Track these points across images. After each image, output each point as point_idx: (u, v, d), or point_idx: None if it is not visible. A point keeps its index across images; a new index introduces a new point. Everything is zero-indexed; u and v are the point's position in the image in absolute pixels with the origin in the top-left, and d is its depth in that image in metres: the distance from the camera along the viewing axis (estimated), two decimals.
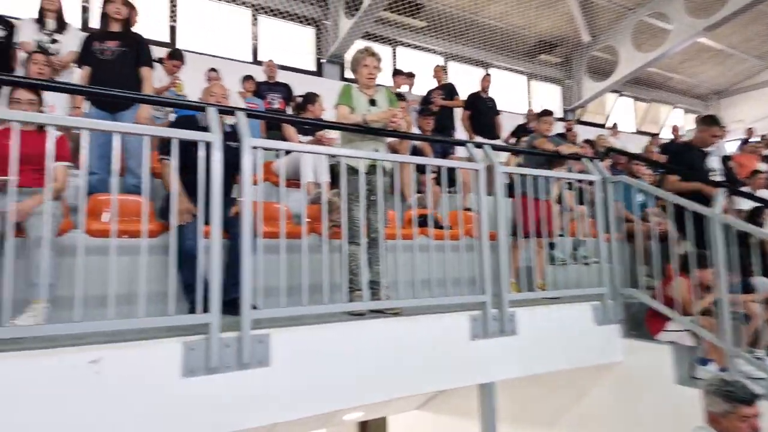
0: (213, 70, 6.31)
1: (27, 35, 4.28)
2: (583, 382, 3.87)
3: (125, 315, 2.16)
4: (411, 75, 7.21)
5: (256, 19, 8.96)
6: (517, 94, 11.69)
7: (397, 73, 7.09)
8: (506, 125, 7.18)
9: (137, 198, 2.95)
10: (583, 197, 4.13)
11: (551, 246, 4.30)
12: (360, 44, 7.74)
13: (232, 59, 8.23)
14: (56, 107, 3.86)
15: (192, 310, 2.61)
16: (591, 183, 3.84)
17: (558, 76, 12.43)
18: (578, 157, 4.02)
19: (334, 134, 4.46)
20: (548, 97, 12.28)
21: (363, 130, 3.01)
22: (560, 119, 9.37)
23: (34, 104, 2.81)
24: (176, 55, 5.54)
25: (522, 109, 9.94)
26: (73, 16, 5.29)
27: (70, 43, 4.28)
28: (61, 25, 4.40)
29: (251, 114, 3.21)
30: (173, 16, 8.22)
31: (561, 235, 4.51)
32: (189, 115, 3.28)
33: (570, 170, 4.67)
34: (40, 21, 4.32)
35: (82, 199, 2.31)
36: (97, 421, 1.88)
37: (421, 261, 2.92)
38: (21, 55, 4.26)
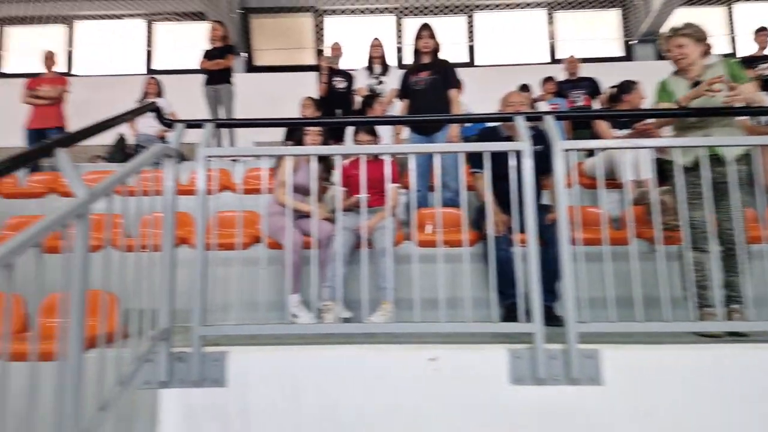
0: (525, 87, 6.28)
1: (360, 82, 5.27)
2: None
3: (451, 318, 2.31)
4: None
5: (551, 17, 8.71)
6: None
7: (761, 30, 5.60)
8: None
9: (453, 210, 3.20)
10: None
11: None
12: (680, 14, 6.62)
13: (530, 64, 8.20)
14: (384, 138, 4.56)
15: (506, 317, 2.65)
16: None
17: None
18: None
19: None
20: None
21: (681, 114, 2.53)
22: None
23: (372, 140, 3.46)
24: None
25: None
26: (391, 58, 6.21)
27: (392, 81, 5.04)
28: (385, 68, 5.25)
29: (558, 116, 3.09)
30: (471, 36, 8.77)
31: None
32: (489, 128, 3.42)
33: None
34: (369, 68, 5.26)
35: (412, 214, 2.63)
36: (436, 412, 2.05)
37: None
38: (357, 99, 5.26)
